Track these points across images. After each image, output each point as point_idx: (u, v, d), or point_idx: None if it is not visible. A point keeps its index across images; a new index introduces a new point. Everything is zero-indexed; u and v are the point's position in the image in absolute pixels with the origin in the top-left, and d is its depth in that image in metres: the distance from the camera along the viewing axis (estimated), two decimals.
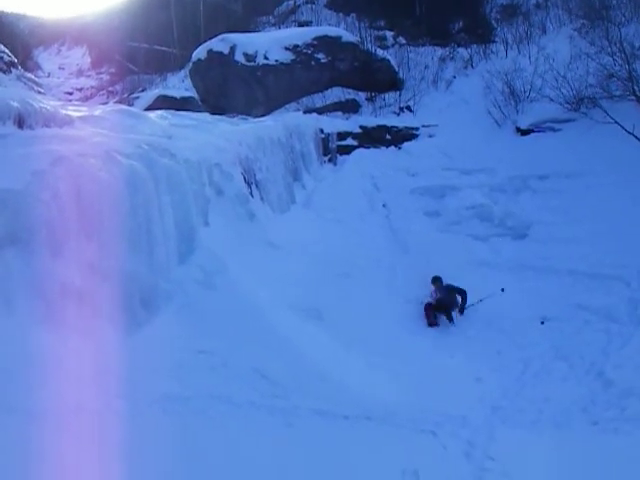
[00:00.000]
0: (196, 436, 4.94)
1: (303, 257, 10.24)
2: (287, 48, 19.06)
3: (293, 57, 18.97)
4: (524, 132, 14.94)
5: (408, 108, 17.99)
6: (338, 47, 19.23)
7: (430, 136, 16.39)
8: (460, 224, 12.48)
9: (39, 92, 23.12)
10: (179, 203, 8.07)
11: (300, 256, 10.20)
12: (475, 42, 20.96)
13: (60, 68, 36.83)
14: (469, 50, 20.19)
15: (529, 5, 23.11)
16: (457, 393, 7.26)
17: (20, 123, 7.55)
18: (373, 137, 16.41)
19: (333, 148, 16.04)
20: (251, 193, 10.80)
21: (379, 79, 18.92)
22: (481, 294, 9.88)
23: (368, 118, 17.54)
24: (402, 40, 22.61)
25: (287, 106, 18.61)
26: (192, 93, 21.89)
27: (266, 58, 18.88)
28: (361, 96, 18.91)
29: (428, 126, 16.71)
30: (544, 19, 20.37)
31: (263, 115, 17.56)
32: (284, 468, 4.79)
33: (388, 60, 19.68)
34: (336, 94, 18.73)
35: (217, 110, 17.94)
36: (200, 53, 20.32)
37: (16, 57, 26.92)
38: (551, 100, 14.63)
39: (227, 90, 19.50)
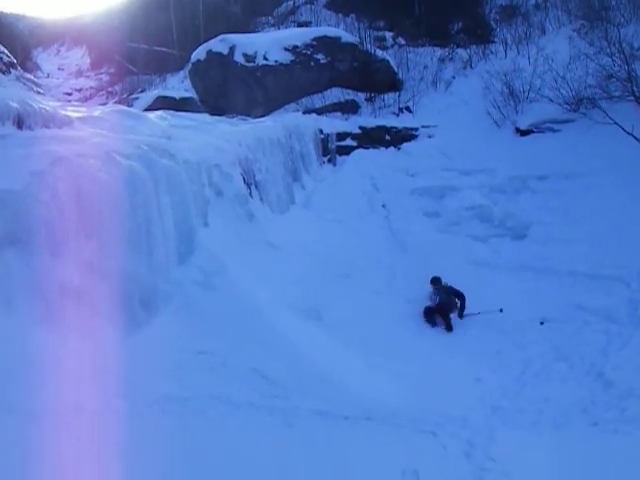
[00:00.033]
0: (196, 436, 4.94)
1: (303, 257, 10.23)
2: (286, 49, 19.07)
3: (292, 58, 18.98)
4: (523, 132, 14.94)
5: (407, 109, 17.99)
6: (337, 48, 19.25)
7: (429, 137, 16.39)
8: (460, 224, 12.48)
9: (38, 93, 23.10)
10: (178, 204, 8.07)
11: (300, 256, 10.20)
12: (474, 43, 20.96)
13: (59, 69, 36.81)
14: (468, 51, 20.20)
15: (528, 6, 23.10)
16: (457, 393, 7.26)
17: (19, 124, 7.55)
18: (372, 138, 16.41)
19: (332, 149, 16.05)
20: (250, 194, 10.80)
21: (378, 80, 18.92)
22: (481, 294, 9.88)
23: (367, 119, 17.54)
24: (401, 41, 22.61)
25: (286, 107, 18.61)
26: (191, 94, 21.87)
27: (265, 59, 18.88)
28: (360, 97, 18.91)
29: (427, 127, 16.72)
30: (543, 20, 20.36)
31: (262, 116, 17.55)
32: (284, 468, 4.79)
33: (387, 61, 19.70)
34: (335, 95, 18.74)
35: (216, 111, 17.94)
36: (199, 54, 20.33)
37: (15, 58, 26.90)
38: (550, 101, 14.63)
39: (226, 91, 19.50)
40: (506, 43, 19.40)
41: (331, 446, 5.21)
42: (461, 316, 9.80)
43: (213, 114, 16.02)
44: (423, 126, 16.76)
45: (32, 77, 27.96)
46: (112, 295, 6.31)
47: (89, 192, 6.48)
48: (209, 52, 19.87)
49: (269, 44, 19.28)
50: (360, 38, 20.64)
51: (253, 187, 11.10)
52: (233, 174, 10.20)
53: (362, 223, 12.70)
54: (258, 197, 11.17)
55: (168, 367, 6.09)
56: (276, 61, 18.85)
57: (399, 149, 16.13)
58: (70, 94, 30.55)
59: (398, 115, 17.83)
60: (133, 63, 30.97)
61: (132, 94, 26.53)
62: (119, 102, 23.45)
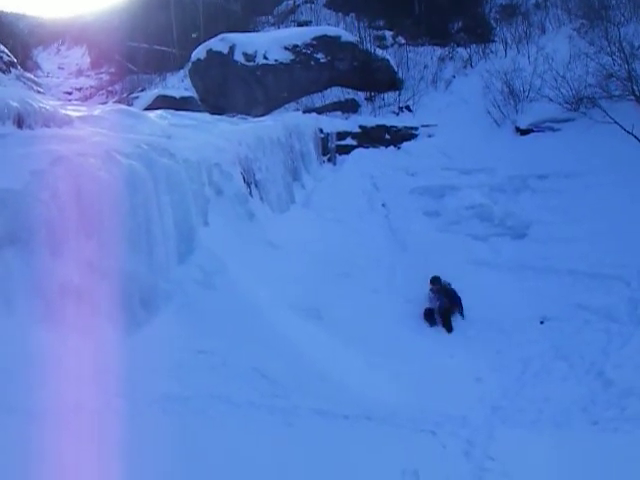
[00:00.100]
0: (196, 436, 4.94)
1: (303, 257, 10.23)
2: (286, 48, 19.04)
3: (292, 57, 18.95)
4: (523, 132, 14.92)
5: (407, 108, 17.97)
6: (337, 47, 19.21)
7: (429, 136, 16.36)
8: (460, 224, 12.47)
9: (38, 92, 23.10)
10: (178, 203, 8.06)
11: (300, 256, 10.20)
12: (474, 42, 20.90)
13: (59, 68, 36.78)
14: (468, 50, 20.16)
15: (528, 5, 23.07)
16: (457, 393, 7.26)
17: (19, 123, 7.55)
18: (372, 137, 16.39)
19: (332, 148, 16.03)
20: (250, 193, 10.80)
21: (378, 79, 18.89)
22: (481, 293, 9.88)
23: (367, 118, 17.51)
24: (401, 40, 22.56)
25: (286, 106, 18.59)
26: (191, 93, 21.86)
27: (265, 58, 18.86)
28: (360, 96, 18.88)
29: (427, 126, 16.69)
30: (543, 19, 20.33)
31: (262, 115, 17.54)
32: (284, 468, 4.79)
33: (387, 60, 19.66)
34: (335, 94, 18.71)
35: (216, 110, 17.93)
36: (199, 53, 20.30)
37: (15, 57, 26.91)
38: (550, 100, 14.61)
39: (226, 90, 19.48)
40: (506, 42, 19.37)
41: (331, 445, 5.21)
42: (462, 315, 9.81)
43: (213, 113, 16.00)
44: (423, 125, 16.73)
45: (32, 76, 27.96)
46: (112, 294, 6.31)
47: (89, 191, 6.48)
48: (209, 51, 19.85)
49: (269, 43, 19.26)
50: (360, 37, 20.60)
51: (253, 186, 11.10)
52: (233, 173, 10.20)
53: (362, 222, 12.69)
54: (258, 196, 11.17)
55: (168, 366, 6.09)
56: (276, 60, 18.83)
57: (399, 148, 16.11)
58: (70, 93, 30.54)
59: (398, 114, 17.81)
60: (133, 62, 30.96)
61: (132, 93, 26.52)
62: (119, 101, 23.46)
